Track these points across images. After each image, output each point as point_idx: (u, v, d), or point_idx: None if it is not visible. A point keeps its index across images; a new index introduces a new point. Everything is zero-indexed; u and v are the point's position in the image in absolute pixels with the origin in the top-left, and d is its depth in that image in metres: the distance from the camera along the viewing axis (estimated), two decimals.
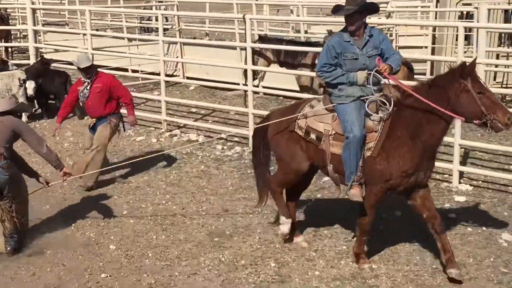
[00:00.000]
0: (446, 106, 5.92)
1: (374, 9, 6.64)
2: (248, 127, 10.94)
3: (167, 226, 7.72)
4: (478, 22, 12.24)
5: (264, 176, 7.24)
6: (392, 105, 6.21)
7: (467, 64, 5.91)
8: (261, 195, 7.30)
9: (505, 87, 13.61)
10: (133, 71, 15.44)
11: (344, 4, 6.40)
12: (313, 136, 6.58)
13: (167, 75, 13.85)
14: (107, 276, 6.54)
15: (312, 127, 6.60)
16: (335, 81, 6.41)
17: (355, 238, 6.67)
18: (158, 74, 12.59)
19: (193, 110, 13.46)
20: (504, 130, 5.95)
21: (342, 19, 6.47)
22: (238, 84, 12.08)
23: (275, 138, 6.92)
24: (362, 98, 6.33)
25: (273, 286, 6.24)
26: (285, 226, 7.01)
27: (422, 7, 17.77)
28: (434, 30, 14.71)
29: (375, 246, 6.93)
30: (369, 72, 6.30)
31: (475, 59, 6.06)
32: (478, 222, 7.56)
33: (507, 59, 13.95)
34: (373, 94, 6.31)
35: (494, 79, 14.09)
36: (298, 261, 6.72)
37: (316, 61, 10.10)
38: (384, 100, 6.28)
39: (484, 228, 7.41)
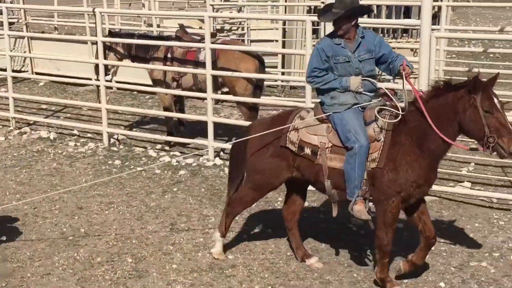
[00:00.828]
0: (453, 120, 5.51)
1: (363, 11, 6.31)
2: (101, 123, 10.76)
3: (18, 227, 7.42)
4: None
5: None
6: (399, 113, 5.75)
7: (481, 78, 5.42)
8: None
9: None
10: None
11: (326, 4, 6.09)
12: (307, 150, 5.99)
13: (14, 71, 13.32)
14: None
15: (306, 141, 6.01)
16: (326, 86, 5.93)
17: (376, 262, 6.07)
18: (5, 70, 12.08)
19: (44, 106, 13.04)
20: (508, 158, 5.52)
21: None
22: (90, 79, 11.81)
23: (256, 152, 6.24)
24: (358, 105, 5.90)
25: (130, 282, 6.17)
26: (216, 249, 6.60)
27: (272, 1, 18.13)
28: (284, 24, 15.05)
29: (232, 236, 7.04)
30: (363, 78, 5.91)
31: (497, 74, 5.50)
32: (331, 210, 7.81)
33: None
34: (370, 101, 5.92)
35: None
36: (155, 255, 6.68)
37: (169, 55, 10.09)
38: (385, 107, 5.86)
39: (340, 216, 7.67)
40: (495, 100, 5.38)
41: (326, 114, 5.97)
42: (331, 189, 5.96)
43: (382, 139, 5.73)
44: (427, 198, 7.07)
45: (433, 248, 6.19)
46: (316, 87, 6.06)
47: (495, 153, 5.46)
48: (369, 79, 5.93)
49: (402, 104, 5.79)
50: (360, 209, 5.79)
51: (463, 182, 8.60)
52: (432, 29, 8.55)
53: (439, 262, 6.50)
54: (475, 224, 7.42)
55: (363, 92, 5.90)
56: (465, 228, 7.29)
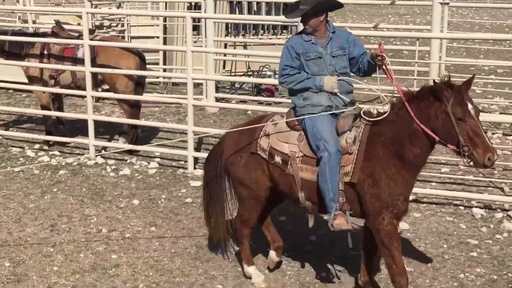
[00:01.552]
0: (427, 124, 5.05)
1: (331, 6, 5.69)
2: None
3: None
4: (205, 12, 12.68)
5: (218, 211, 6.12)
6: (365, 120, 5.37)
7: (451, 82, 4.98)
8: (216, 233, 6.27)
9: (234, 75, 14.33)
10: None
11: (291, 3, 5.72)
12: (278, 159, 5.55)
13: None
14: None
15: (276, 149, 5.58)
16: (299, 86, 5.50)
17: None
18: None
19: None
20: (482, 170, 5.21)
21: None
22: None
23: (233, 162, 5.81)
24: (332, 111, 5.46)
25: (9, 286, 5.95)
26: (257, 278, 5.98)
27: None
28: (165, 20, 14.96)
29: (114, 236, 6.94)
30: (339, 78, 5.47)
31: (473, 76, 5.10)
32: None
33: (234, 48, 14.67)
34: (345, 106, 5.48)
35: (224, 68, 14.77)
36: (35, 258, 6.47)
37: (45, 51, 9.80)
38: (359, 114, 5.42)
39: None
40: (469, 106, 4.92)
41: (297, 118, 5.56)
42: (305, 201, 5.51)
43: (356, 151, 5.30)
44: None
45: None
46: (288, 87, 5.64)
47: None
48: (345, 78, 5.52)
49: (385, 107, 5.37)
50: (340, 223, 5.28)
51: None
52: None
53: (321, 253, 6.66)
54: None
55: (338, 94, 5.47)
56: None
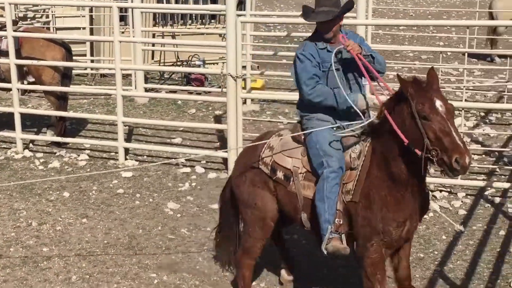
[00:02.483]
0: (401, 130, 4.41)
1: (351, 7, 5.16)
2: None
3: None
4: (132, 2, 12.57)
5: (227, 239, 5.69)
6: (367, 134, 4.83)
7: (416, 77, 4.43)
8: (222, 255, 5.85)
9: (163, 65, 14.26)
10: None
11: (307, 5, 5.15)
12: (280, 174, 5.03)
13: None
14: None
15: (279, 163, 5.05)
16: (326, 103, 4.88)
17: None
18: None
19: None
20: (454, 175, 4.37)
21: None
22: None
23: (239, 182, 5.29)
24: (338, 125, 4.95)
25: None
26: None
27: None
28: (91, 11, 14.73)
29: (44, 229, 6.86)
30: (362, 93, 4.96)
31: (431, 69, 4.42)
32: (145, 195, 7.86)
33: (163, 38, 14.59)
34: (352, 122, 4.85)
35: (152, 58, 14.68)
36: None
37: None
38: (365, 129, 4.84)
39: (151, 200, 7.72)
40: (437, 103, 4.29)
41: (304, 132, 5.03)
42: (307, 222, 4.99)
43: (360, 168, 4.75)
44: None
45: None
46: (315, 101, 4.93)
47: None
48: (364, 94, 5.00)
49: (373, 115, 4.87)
50: (335, 246, 4.74)
51: None
52: (238, 15, 8.81)
53: None
54: None
55: (366, 110, 4.91)
56: None
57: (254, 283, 5.74)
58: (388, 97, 4.70)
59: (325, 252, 4.80)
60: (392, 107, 4.51)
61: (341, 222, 4.78)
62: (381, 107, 4.63)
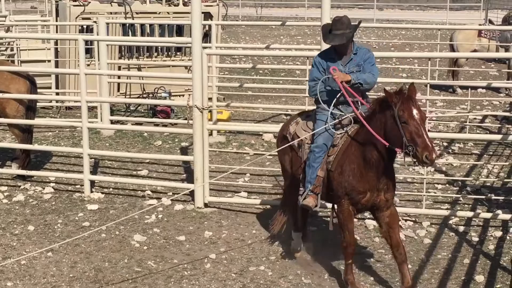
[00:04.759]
0: (380, 130, 5.82)
1: (359, 25, 6.52)
2: None
3: None
4: (97, 35, 12.59)
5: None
6: (349, 124, 6.25)
7: (400, 90, 5.73)
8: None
9: (129, 97, 14.26)
10: None
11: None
12: (295, 143, 6.58)
13: None
14: None
15: (297, 134, 6.61)
16: (321, 91, 6.34)
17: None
18: None
19: None
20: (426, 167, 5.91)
21: None
22: None
23: (279, 150, 6.96)
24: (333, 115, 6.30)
25: None
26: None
27: (42, 21, 17.64)
28: (56, 43, 14.71)
29: (9, 263, 6.77)
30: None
31: (411, 84, 5.75)
32: (112, 227, 7.80)
33: (128, 70, 14.61)
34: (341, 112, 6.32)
35: (118, 90, 14.66)
36: None
37: None
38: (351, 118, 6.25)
39: (117, 233, 7.68)
40: (414, 112, 5.61)
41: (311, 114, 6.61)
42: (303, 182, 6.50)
43: (340, 146, 6.25)
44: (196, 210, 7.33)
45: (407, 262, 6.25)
46: (315, 95, 6.39)
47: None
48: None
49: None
50: (308, 201, 6.34)
51: (240, 192, 8.99)
52: (204, 47, 8.88)
53: (220, 270, 6.74)
54: (252, 231, 7.78)
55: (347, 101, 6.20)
56: (243, 236, 7.62)
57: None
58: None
59: (299, 203, 6.46)
60: (375, 112, 5.88)
61: (318, 185, 6.32)
62: (369, 108, 6.09)
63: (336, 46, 6.35)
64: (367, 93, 6.55)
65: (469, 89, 13.97)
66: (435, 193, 8.97)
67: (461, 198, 8.76)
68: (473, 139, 11.59)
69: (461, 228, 7.78)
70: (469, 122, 12.29)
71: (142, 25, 14.97)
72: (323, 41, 6.70)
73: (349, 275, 6.30)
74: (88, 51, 13.27)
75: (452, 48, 16.62)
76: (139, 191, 9.15)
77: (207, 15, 14.97)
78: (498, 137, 10.71)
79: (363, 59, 6.37)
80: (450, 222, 7.98)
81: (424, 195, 8.28)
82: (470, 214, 8.04)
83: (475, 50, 16.36)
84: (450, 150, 11.25)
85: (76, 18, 14.28)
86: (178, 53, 15.59)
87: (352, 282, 6.27)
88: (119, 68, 14.59)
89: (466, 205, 8.56)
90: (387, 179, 6.08)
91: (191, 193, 8.68)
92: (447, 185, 9.41)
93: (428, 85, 8.96)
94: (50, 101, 14.37)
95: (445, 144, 11.61)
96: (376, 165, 5.96)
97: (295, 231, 7.09)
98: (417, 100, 5.74)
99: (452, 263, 6.88)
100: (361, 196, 6.09)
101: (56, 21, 15.23)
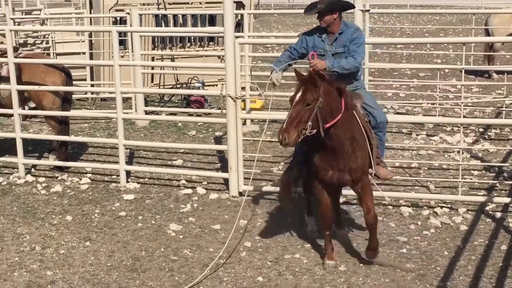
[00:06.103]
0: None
1: (345, 6, 6.61)
2: None
3: None
4: (131, 26, 12.69)
5: None
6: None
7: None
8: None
9: (162, 88, 14.36)
10: None
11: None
12: None
13: None
14: None
15: None
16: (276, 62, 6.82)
17: None
18: None
19: None
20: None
21: None
22: None
23: None
24: None
25: None
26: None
27: (76, 14, 17.83)
28: (90, 36, 14.86)
29: (48, 252, 6.89)
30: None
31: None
32: (148, 217, 7.89)
33: (162, 61, 14.70)
34: None
35: (152, 81, 14.77)
36: None
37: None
38: None
39: (153, 222, 7.75)
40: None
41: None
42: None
43: None
44: None
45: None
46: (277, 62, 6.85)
47: None
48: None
49: None
50: (295, 172, 6.77)
51: (274, 181, 9.01)
52: (236, 36, 8.89)
53: (256, 258, 6.77)
54: (287, 219, 7.80)
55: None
56: (278, 224, 7.64)
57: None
58: None
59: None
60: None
61: (293, 159, 6.80)
62: None
63: (321, 24, 6.51)
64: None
65: (505, 74, 13.79)
66: (471, 179, 8.89)
67: (497, 184, 8.67)
68: (509, 124, 11.47)
69: (498, 214, 7.70)
70: (506, 108, 12.12)
71: (174, 16, 15.04)
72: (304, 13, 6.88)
73: (326, 244, 6.58)
74: (122, 43, 13.38)
75: (488, 33, 16.38)
76: (174, 181, 9.22)
77: (239, 5, 14.97)
78: None
79: (349, 40, 6.43)
80: (487, 208, 7.90)
81: (460, 182, 8.20)
82: (507, 200, 7.95)
83: (511, 34, 16.11)
84: (486, 136, 11.13)
85: (110, 10, 14.41)
86: (210, 43, 15.64)
87: (328, 253, 6.54)
88: (153, 59, 14.68)
89: (503, 191, 8.48)
90: (344, 159, 6.21)
91: (226, 182, 8.73)
92: (483, 171, 9.32)
93: (463, 70, 8.86)
94: (85, 93, 14.56)
95: (481, 130, 11.49)
96: (323, 144, 6.13)
97: (308, 215, 7.33)
98: (308, 82, 5.80)
99: (489, 250, 6.82)
100: (324, 174, 6.30)
101: (90, 13, 15.41)
